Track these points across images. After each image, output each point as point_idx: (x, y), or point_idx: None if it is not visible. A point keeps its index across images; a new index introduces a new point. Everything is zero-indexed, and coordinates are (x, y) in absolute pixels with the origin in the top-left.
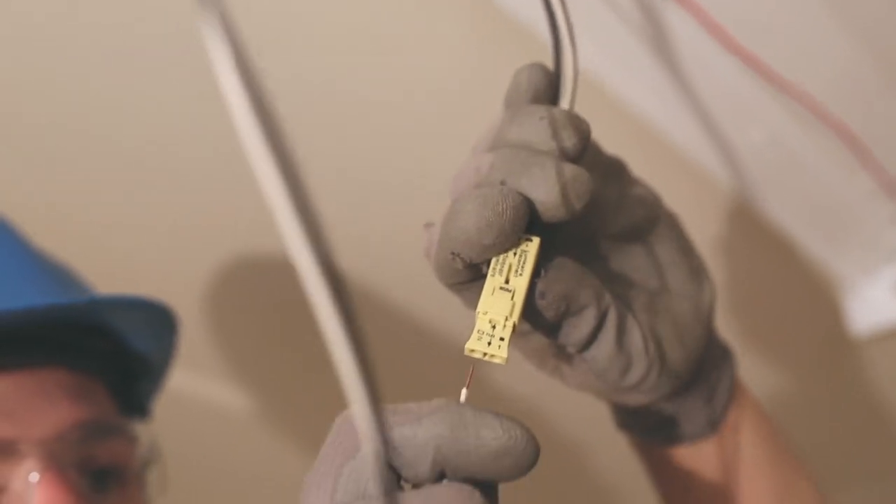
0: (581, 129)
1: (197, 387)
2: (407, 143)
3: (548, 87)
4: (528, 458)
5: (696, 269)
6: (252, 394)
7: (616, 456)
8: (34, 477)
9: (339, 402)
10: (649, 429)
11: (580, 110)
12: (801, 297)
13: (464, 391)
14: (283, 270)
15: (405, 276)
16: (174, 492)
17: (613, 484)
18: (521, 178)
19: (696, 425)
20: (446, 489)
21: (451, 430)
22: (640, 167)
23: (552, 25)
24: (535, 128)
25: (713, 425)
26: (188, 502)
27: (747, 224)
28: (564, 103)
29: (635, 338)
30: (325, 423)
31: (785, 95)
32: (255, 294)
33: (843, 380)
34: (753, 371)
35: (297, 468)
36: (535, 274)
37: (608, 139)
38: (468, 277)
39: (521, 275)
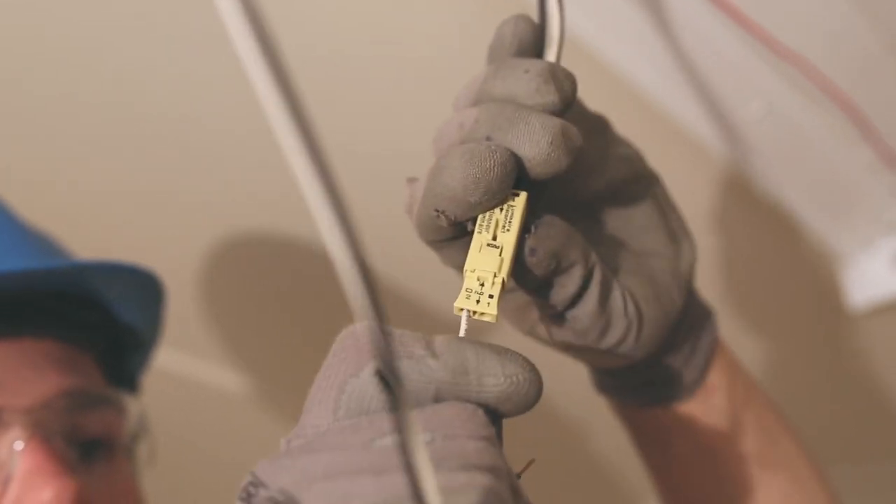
0: (567, 82)
1: (192, 368)
2: (402, 117)
3: (533, 40)
4: (530, 400)
5: (677, 229)
6: (248, 375)
7: (616, 435)
8: (19, 445)
9: None
10: (628, 391)
11: (592, 93)
12: (800, 270)
13: (463, 316)
14: (281, 251)
15: (405, 253)
16: (170, 472)
17: (613, 462)
18: (508, 134)
19: (674, 387)
20: (450, 407)
21: (453, 376)
22: (638, 139)
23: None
24: (519, 81)
25: (691, 387)
26: (182, 482)
27: (746, 196)
28: (550, 56)
29: (616, 298)
30: None
31: (785, 64)
32: (252, 275)
33: (840, 354)
34: (751, 345)
35: None
36: (524, 230)
37: (604, 111)
38: (451, 235)
39: (508, 231)
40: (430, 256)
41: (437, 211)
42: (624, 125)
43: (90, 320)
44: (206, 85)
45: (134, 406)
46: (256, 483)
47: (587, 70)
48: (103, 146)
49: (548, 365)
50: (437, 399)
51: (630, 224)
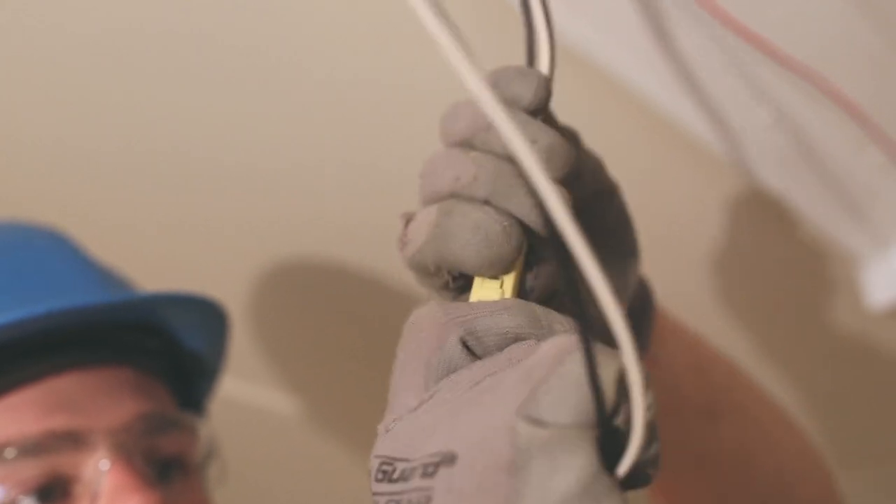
0: (568, 161)
1: (244, 392)
2: (408, 130)
3: (546, 105)
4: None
5: (628, 243)
6: (299, 398)
7: None
8: (104, 465)
9: (382, 402)
10: None
11: (586, 96)
12: (817, 272)
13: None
14: (329, 276)
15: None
16: (224, 495)
17: None
18: (508, 201)
19: None
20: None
21: (529, 321)
22: (648, 151)
23: (527, 23)
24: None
25: None
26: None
27: (759, 203)
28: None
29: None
30: (369, 423)
31: (787, 71)
32: (302, 298)
33: (861, 355)
34: (771, 349)
35: (342, 467)
36: (525, 265)
37: (614, 125)
38: (450, 285)
39: None
40: None
41: (440, 267)
42: (634, 137)
43: (159, 349)
44: (255, 119)
45: (204, 429)
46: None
47: (595, 83)
48: (156, 181)
49: None
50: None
51: (589, 236)
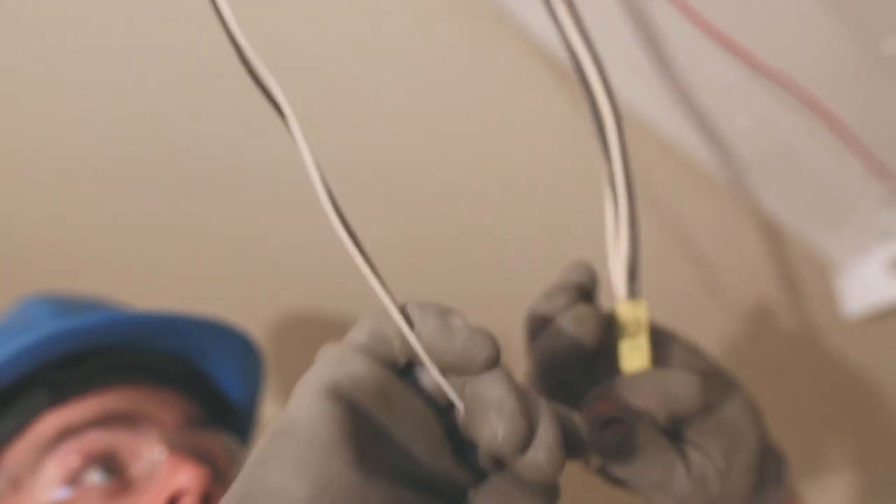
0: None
1: None
2: (402, 139)
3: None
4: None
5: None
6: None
7: None
8: (161, 452)
9: None
10: None
11: (572, 110)
12: (794, 279)
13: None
14: (321, 285)
15: (405, 268)
16: None
17: None
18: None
19: None
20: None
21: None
22: (633, 158)
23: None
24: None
25: None
26: None
27: (737, 209)
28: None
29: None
30: None
31: (768, 81)
32: (292, 309)
33: (837, 361)
34: (747, 354)
35: None
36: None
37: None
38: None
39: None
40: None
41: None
42: None
43: (202, 389)
44: (256, 120)
45: (240, 454)
46: None
47: (575, 91)
48: (148, 186)
49: None
50: None
51: None
